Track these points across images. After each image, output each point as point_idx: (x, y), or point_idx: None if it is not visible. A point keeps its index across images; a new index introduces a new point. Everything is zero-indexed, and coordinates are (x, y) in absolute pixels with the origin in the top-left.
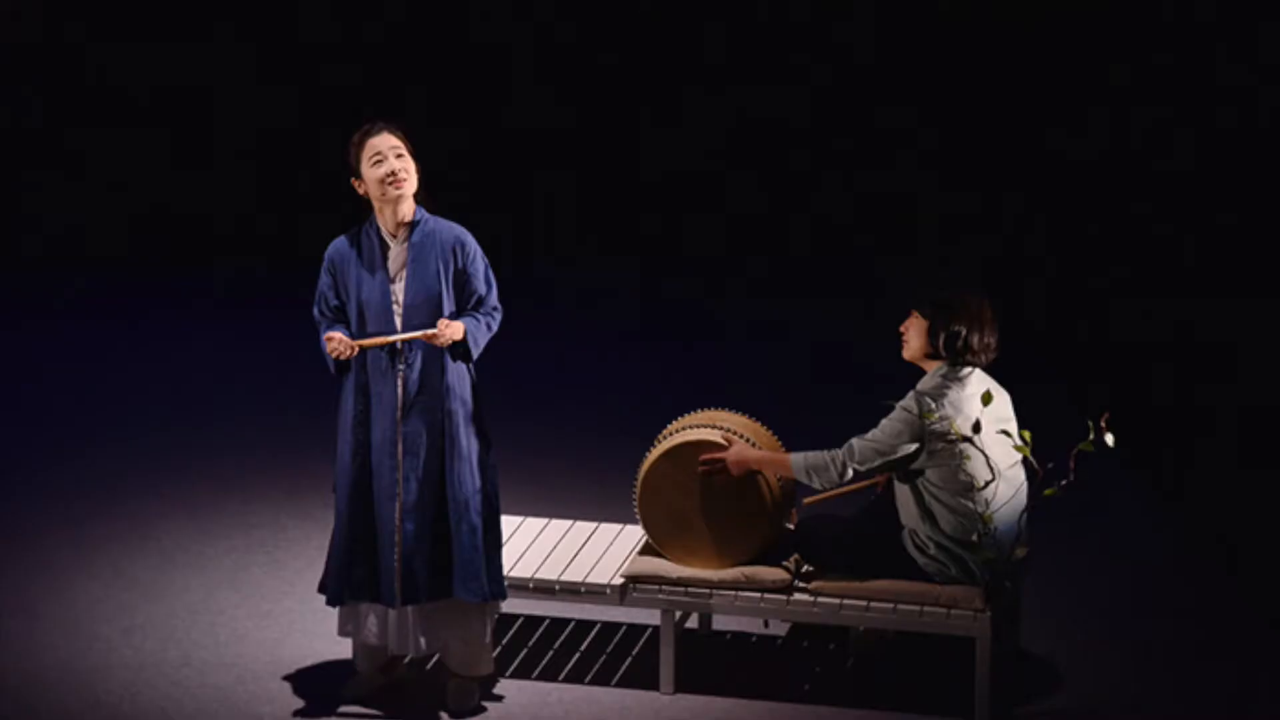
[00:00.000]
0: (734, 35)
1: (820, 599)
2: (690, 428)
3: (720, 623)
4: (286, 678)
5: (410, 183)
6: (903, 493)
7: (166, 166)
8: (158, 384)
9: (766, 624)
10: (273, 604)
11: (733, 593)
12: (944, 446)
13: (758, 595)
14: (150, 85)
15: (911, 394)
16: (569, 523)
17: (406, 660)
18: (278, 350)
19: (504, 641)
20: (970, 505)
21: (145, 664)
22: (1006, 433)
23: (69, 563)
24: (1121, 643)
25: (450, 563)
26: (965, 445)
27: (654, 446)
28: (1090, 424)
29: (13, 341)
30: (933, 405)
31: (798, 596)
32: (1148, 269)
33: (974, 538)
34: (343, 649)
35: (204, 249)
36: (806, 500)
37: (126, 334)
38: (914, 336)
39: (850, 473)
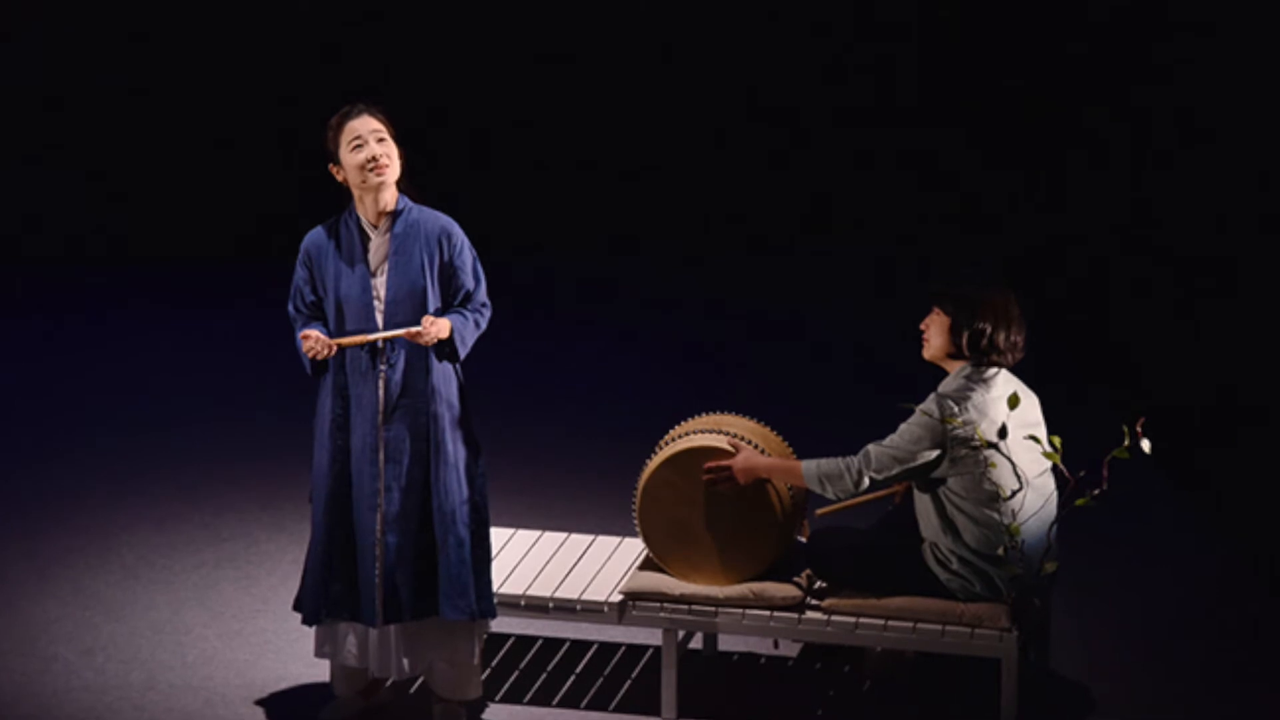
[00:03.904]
0: (739, 17)
1: (834, 618)
2: (694, 433)
3: (726, 643)
4: (259, 702)
5: (392, 169)
6: (923, 503)
7: (137, 157)
8: (121, 386)
9: (776, 644)
10: (244, 623)
11: (740, 611)
12: (967, 453)
13: (767, 613)
14: (132, 75)
15: (933, 396)
16: (563, 535)
17: (389, 683)
18: (251, 350)
19: (493, 663)
20: (996, 516)
21: (108, 687)
22: (1035, 438)
23: (25, 578)
24: (1157, 664)
25: (435, 578)
26: (990, 452)
27: (655, 453)
28: (1125, 429)
29: None
30: (955, 409)
31: (810, 615)
32: (1188, 263)
33: (1000, 551)
34: (320, 671)
35: (165, 242)
36: (819, 511)
37: (85, 333)
38: (935, 334)
39: (866, 481)
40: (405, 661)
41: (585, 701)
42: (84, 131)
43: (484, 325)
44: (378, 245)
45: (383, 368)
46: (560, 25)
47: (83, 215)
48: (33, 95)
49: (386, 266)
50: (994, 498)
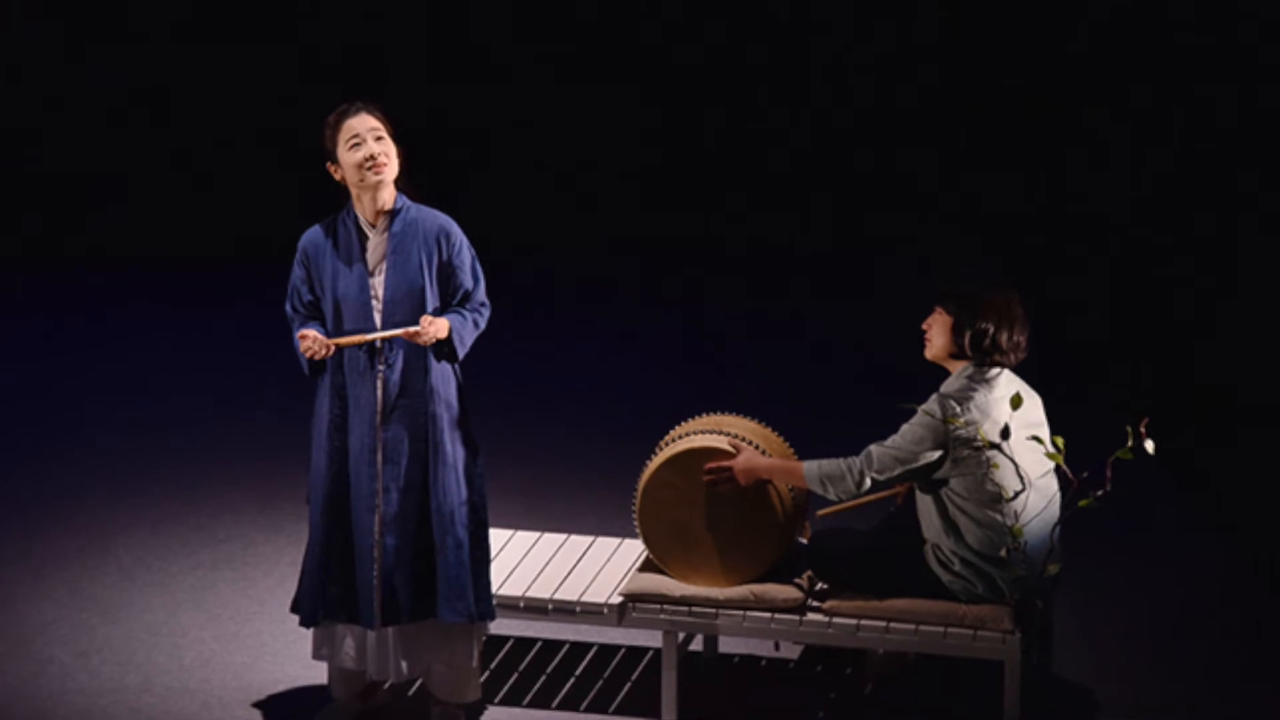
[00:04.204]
0: (739, 17)
1: (835, 619)
2: (694, 433)
3: (727, 645)
4: (256, 705)
5: (391, 167)
6: (925, 504)
7: (137, 157)
8: (118, 386)
9: (777, 646)
10: (241, 625)
11: (740, 612)
12: (970, 454)
13: (768, 615)
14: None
15: (935, 397)
16: (563, 536)
17: (386, 686)
18: (251, 350)
19: (492, 666)
20: (998, 518)
21: (103, 690)
22: (1038, 439)
23: (21, 579)
24: (1161, 665)
25: (434, 580)
26: (993, 453)
27: (655, 454)
28: (1129, 429)
29: None
30: (958, 409)
31: (811, 617)
32: (1190, 263)
33: (1002, 553)
34: (317, 674)
35: (165, 242)
36: (821, 512)
37: (85, 333)
38: (938, 334)
39: (868, 482)
40: (403, 664)
41: (585, 704)
42: (83, 131)
43: (483, 325)
44: (376, 244)
45: (381, 368)
46: (560, 25)
47: (84, 215)
48: (32, 95)
49: (385, 266)
50: (996, 499)
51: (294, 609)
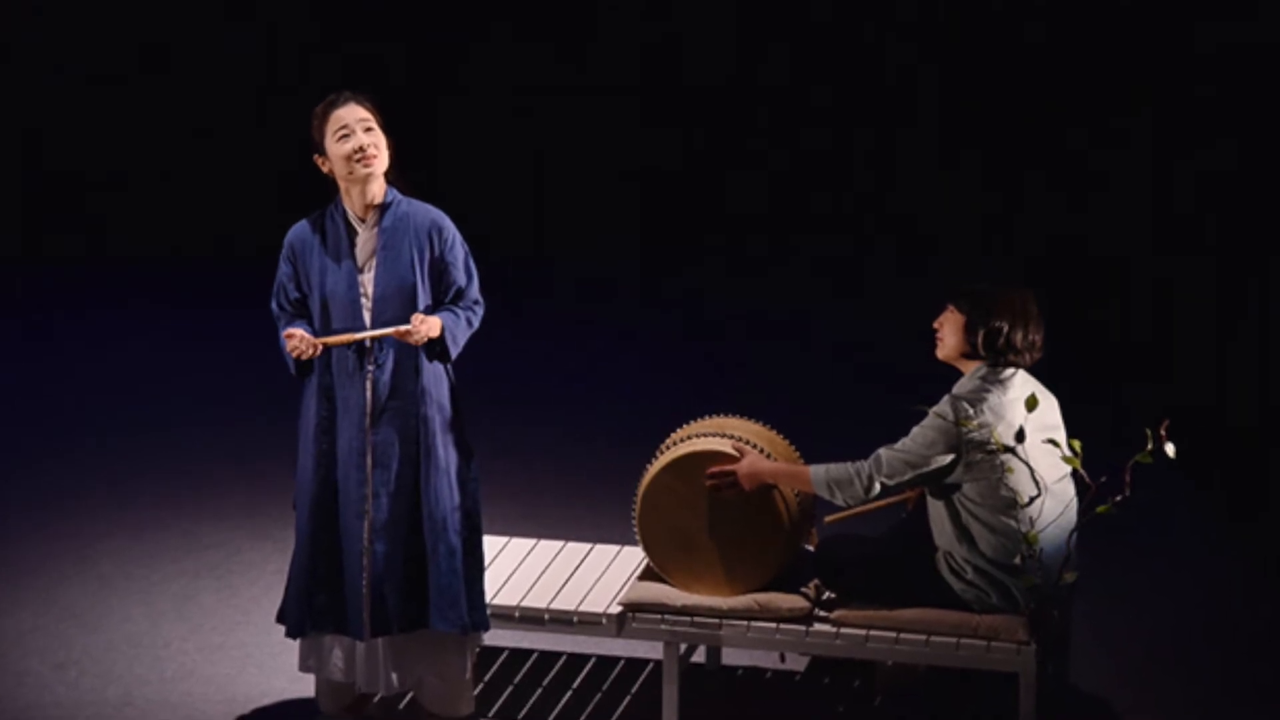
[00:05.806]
0: (740, 19)
1: (843, 630)
2: (697, 436)
3: (730, 656)
4: (241, 719)
5: (381, 160)
6: (937, 510)
7: (137, 157)
8: (97, 388)
9: (783, 658)
10: (225, 636)
11: (744, 623)
12: (983, 458)
13: (773, 625)
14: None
15: (947, 398)
16: (560, 543)
17: (376, 699)
18: (232, 350)
19: (486, 678)
20: (1013, 524)
21: (82, 703)
22: (1054, 442)
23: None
24: (1182, 677)
25: (425, 589)
26: (1007, 456)
27: (656, 457)
28: (1149, 432)
29: None
30: (971, 411)
31: (818, 627)
32: (1200, 263)
33: (1017, 560)
34: (304, 686)
35: (165, 242)
36: (828, 518)
37: (85, 333)
38: (950, 333)
39: (877, 487)
40: (393, 676)
41: (583, 718)
42: (84, 130)
43: (476, 324)
44: (365, 240)
45: (370, 368)
46: (560, 24)
47: (83, 215)
48: (34, 94)
49: (374, 262)
50: (1011, 504)
51: (280, 619)
